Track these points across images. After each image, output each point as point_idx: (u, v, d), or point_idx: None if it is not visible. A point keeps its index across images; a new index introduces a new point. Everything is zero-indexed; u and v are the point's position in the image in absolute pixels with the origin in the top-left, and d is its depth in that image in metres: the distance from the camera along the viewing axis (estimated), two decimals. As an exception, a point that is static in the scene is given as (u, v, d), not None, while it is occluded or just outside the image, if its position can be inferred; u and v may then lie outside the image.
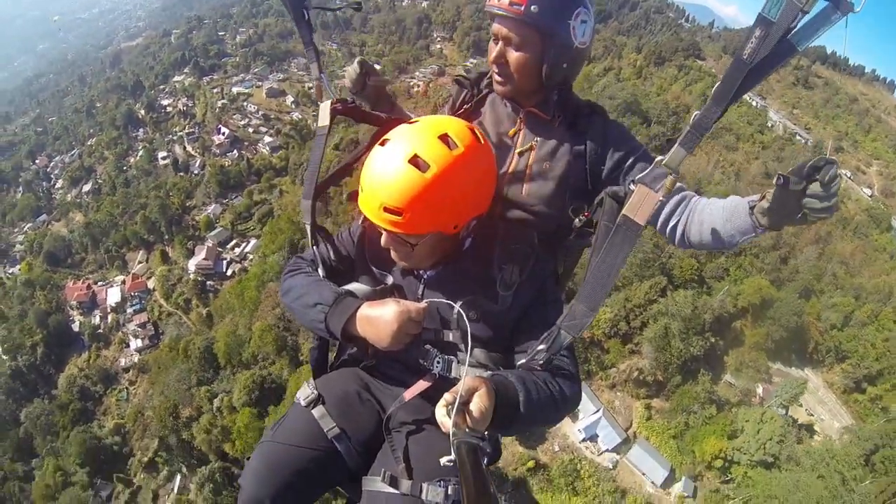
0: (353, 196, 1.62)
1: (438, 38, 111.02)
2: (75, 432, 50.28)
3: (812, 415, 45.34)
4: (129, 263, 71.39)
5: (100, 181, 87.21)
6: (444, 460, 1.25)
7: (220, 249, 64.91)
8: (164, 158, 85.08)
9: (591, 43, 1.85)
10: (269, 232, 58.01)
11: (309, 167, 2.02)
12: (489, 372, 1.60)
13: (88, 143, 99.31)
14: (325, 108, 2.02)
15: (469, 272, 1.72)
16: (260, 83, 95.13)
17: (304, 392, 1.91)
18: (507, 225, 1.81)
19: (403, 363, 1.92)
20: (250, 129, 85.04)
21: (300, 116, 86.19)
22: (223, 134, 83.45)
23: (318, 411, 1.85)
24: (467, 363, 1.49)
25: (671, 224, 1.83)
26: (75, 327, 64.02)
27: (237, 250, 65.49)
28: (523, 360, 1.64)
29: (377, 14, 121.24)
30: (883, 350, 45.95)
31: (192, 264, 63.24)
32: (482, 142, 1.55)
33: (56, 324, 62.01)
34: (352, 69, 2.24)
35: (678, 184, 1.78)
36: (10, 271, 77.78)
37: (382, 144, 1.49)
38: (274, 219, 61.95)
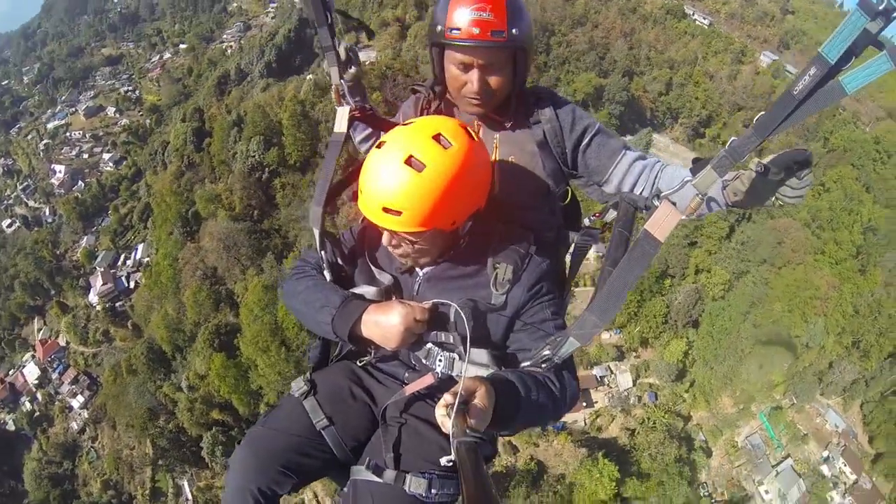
0: (354, 197, 1.66)
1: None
2: None
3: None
4: (28, 338, 66.05)
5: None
6: (444, 460, 1.28)
7: (113, 270, 61.21)
8: (9, 226, 77.14)
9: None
10: (157, 217, 55.28)
11: (322, 173, 1.99)
12: (488, 371, 1.64)
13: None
14: (342, 113, 2.03)
15: (464, 271, 1.74)
16: (73, 109, 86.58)
17: (298, 384, 1.96)
18: (503, 227, 1.80)
19: (398, 358, 1.97)
20: (85, 156, 78.22)
21: (129, 121, 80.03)
22: (59, 172, 76.33)
23: (309, 403, 1.89)
24: (466, 361, 1.57)
25: (637, 191, 1.88)
26: (10, 427, 58.82)
27: (129, 262, 62.18)
28: (526, 364, 1.68)
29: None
30: (704, 99, 56.11)
31: (93, 297, 59.64)
32: (475, 139, 1.58)
33: None
34: (340, 52, 2.20)
35: (624, 145, 1.92)
36: None
37: (379, 147, 1.53)
38: (154, 208, 58.82)
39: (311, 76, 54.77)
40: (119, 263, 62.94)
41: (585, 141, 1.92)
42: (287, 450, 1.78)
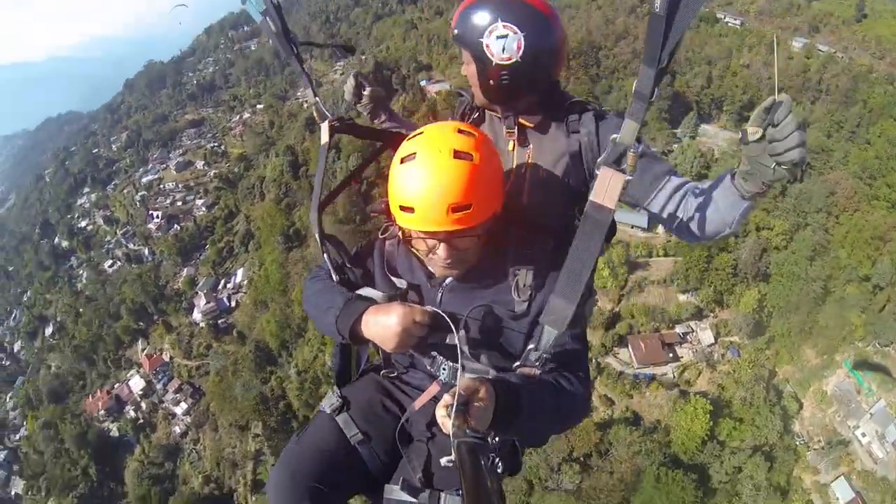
0: (389, 216, 1.73)
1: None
2: (172, 502, 52.39)
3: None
4: (132, 357, 72.40)
5: (58, 318, 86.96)
6: (444, 460, 1.29)
7: (214, 293, 68.76)
8: (110, 266, 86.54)
9: (531, 52, 1.79)
10: (263, 234, 63.04)
11: (315, 181, 2.15)
12: (493, 373, 1.68)
13: (24, 298, 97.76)
14: (324, 127, 2.19)
15: (485, 279, 1.76)
16: (164, 165, 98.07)
17: (329, 400, 2.01)
18: (521, 233, 1.81)
19: (424, 371, 2.00)
20: (179, 203, 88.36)
21: (218, 171, 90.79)
22: (156, 217, 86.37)
23: (342, 418, 1.93)
24: (460, 362, 1.58)
25: (680, 226, 1.85)
26: (114, 433, 64.00)
27: (229, 285, 69.32)
28: (518, 363, 1.66)
29: (233, 67, 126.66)
30: (743, 85, 61.84)
31: (197, 315, 66.50)
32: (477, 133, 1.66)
33: (95, 438, 61.82)
34: (348, 83, 2.50)
35: (670, 170, 1.86)
36: (16, 437, 76.58)
37: (409, 160, 1.54)
38: (257, 230, 66.68)
39: (400, 98, 64.46)
40: (220, 287, 70.06)
41: None
42: (322, 467, 1.81)
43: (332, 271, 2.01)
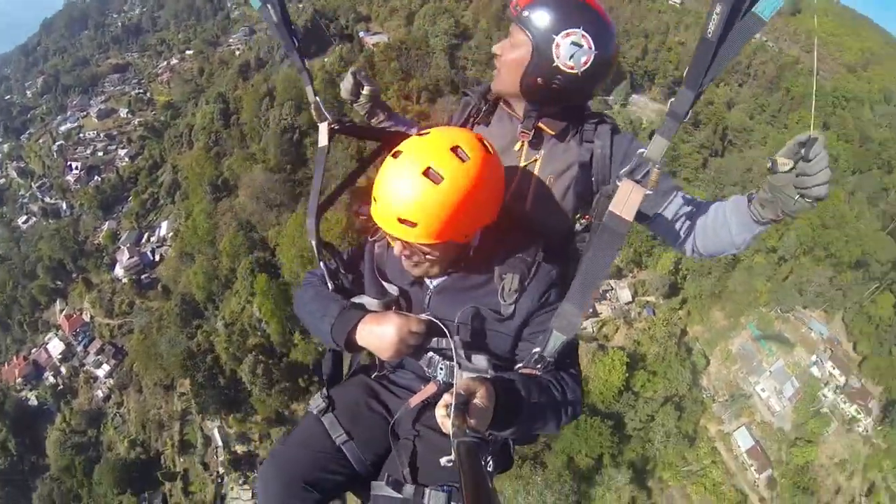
0: (366, 203, 1.67)
1: (234, 5, 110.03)
2: (96, 472, 49.98)
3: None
4: (50, 320, 67.44)
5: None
6: (443, 461, 1.29)
7: (137, 247, 64.51)
8: (25, 222, 79.85)
9: (591, 70, 1.74)
10: (191, 184, 59.49)
11: (312, 186, 2.11)
12: (491, 374, 1.65)
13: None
14: (323, 129, 2.12)
15: (474, 282, 1.75)
16: (84, 112, 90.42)
17: (316, 401, 2.01)
18: (512, 235, 1.78)
19: (412, 371, 2.03)
20: (100, 154, 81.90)
21: (143, 119, 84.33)
22: (75, 168, 79.79)
23: (327, 419, 1.94)
24: (455, 361, 1.62)
25: (680, 241, 1.88)
26: (33, 402, 59.84)
27: (153, 239, 65.28)
28: (521, 365, 1.69)
29: (161, 10, 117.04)
30: (676, 62, 64.16)
31: (119, 271, 62.34)
32: (491, 152, 1.58)
33: (12, 409, 57.48)
34: (346, 81, 2.33)
35: (676, 187, 1.87)
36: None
37: (395, 156, 1.52)
38: (185, 179, 62.87)
39: (337, 48, 61.14)
40: (143, 241, 65.84)
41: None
42: (309, 467, 1.83)
43: (327, 278, 1.99)
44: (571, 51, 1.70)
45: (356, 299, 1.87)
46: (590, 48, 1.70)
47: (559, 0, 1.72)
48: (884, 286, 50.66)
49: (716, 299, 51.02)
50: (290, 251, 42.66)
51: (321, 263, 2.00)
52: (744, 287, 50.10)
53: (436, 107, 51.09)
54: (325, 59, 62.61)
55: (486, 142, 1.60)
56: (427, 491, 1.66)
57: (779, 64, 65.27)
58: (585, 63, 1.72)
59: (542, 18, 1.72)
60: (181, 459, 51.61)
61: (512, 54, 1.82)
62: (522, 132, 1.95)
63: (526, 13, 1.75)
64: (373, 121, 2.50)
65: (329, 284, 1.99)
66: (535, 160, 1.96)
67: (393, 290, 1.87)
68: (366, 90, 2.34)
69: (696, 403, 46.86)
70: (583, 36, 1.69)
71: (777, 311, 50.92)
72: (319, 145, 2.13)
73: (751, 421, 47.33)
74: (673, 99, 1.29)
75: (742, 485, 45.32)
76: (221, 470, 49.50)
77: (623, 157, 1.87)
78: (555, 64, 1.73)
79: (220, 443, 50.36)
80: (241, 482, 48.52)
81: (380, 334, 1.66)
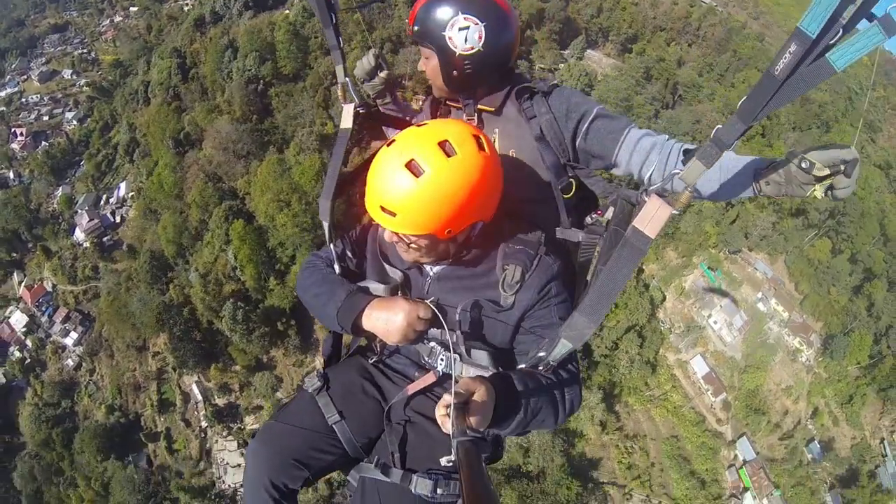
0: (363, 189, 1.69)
1: None
2: (77, 441, 49.32)
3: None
4: (8, 294, 64.55)
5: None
6: (444, 461, 1.29)
7: (96, 210, 62.27)
8: (-31, 192, 75.49)
9: (491, 39, 1.85)
10: (151, 141, 57.55)
11: (330, 167, 2.08)
12: (488, 372, 1.68)
13: None
14: (348, 110, 2.15)
15: (474, 271, 1.75)
16: (25, 76, 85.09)
17: (311, 380, 2.03)
18: (513, 225, 1.80)
19: (407, 356, 2.07)
20: (46, 118, 77.65)
21: (89, 80, 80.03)
22: (20, 134, 75.57)
23: (322, 399, 1.95)
24: (453, 361, 1.66)
25: (646, 172, 1.86)
26: (0, 380, 57.21)
27: (112, 200, 63.09)
28: (523, 365, 1.68)
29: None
30: (630, 20, 66.09)
31: (79, 236, 60.19)
32: (485, 150, 1.55)
33: None
34: (366, 61, 2.38)
35: (649, 131, 1.90)
36: None
37: (388, 145, 1.55)
38: (144, 137, 60.85)
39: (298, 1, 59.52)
40: (102, 203, 63.60)
41: (584, 128, 1.93)
42: (300, 444, 1.86)
43: (335, 261, 2.01)
44: (462, 35, 1.86)
45: (363, 283, 1.90)
46: (476, 24, 1.85)
47: (431, 4, 1.89)
48: (821, 233, 54.70)
49: (669, 240, 53.65)
50: (265, 196, 42.31)
51: (331, 247, 2.04)
52: (694, 229, 52.77)
53: (399, 57, 50.59)
54: (288, 12, 60.57)
55: (483, 139, 1.59)
56: (414, 477, 1.72)
57: (727, 27, 67.67)
58: (480, 38, 1.86)
59: (428, 26, 1.90)
60: (162, 419, 51.63)
61: (429, 65, 2.01)
62: (468, 119, 2.07)
63: (417, 28, 1.93)
64: (379, 102, 2.58)
65: (336, 267, 2.01)
66: (493, 138, 2.06)
67: (395, 273, 1.91)
68: (383, 73, 2.43)
69: (655, 333, 50.36)
70: (465, 18, 1.84)
71: (725, 252, 54.15)
72: (342, 127, 2.15)
73: (705, 350, 51.11)
74: (720, 126, 1.27)
75: (700, 408, 49.58)
76: (205, 424, 49.79)
77: (566, 112, 1.95)
78: (458, 53, 1.89)
79: (199, 398, 50.45)
80: (224, 434, 49.07)
81: (388, 319, 1.66)
